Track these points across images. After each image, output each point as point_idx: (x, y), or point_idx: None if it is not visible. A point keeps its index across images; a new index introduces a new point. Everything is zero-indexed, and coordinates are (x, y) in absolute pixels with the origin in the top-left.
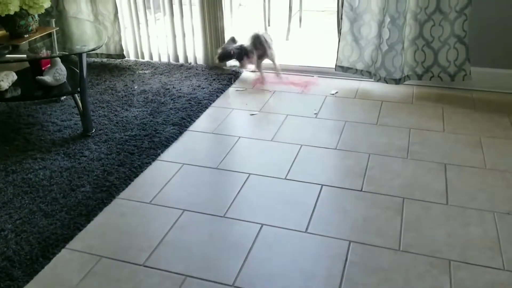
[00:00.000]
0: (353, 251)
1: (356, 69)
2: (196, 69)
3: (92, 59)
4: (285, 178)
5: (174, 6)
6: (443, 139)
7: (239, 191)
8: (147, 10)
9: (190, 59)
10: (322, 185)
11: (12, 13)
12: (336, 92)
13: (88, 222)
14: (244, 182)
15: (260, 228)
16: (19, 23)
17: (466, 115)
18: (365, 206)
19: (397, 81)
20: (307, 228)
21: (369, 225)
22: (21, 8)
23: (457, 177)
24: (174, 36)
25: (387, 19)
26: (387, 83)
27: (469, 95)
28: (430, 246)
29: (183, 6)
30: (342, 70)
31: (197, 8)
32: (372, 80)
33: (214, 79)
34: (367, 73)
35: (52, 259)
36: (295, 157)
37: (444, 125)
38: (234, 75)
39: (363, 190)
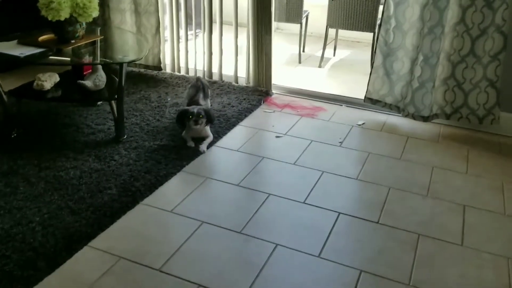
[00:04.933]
0: (364, 281)
1: (385, 103)
2: (228, 88)
3: (131, 69)
4: (304, 202)
5: (214, 24)
6: (465, 181)
7: (258, 209)
8: (188, 26)
9: (224, 77)
10: (340, 213)
11: (62, 19)
12: (363, 123)
13: (112, 223)
14: (264, 202)
15: (274, 248)
16: (67, 29)
17: (491, 158)
18: (380, 238)
19: (425, 119)
20: (320, 253)
21: (382, 257)
22: (71, 15)
23: (475, 220)
24: (211, 54)
25: (420, 57)
26: (414, 119)
27: (496, 140)
28: (441, 284)
29: (223, 25)
30: (371, 102)
31: (233, 28)
32: (400, 115)
33: (244, 99)
34: (396, 108)
35: (74, 254)
36: (316, 183)
37: (468, 167)
38: (263, 97)
39: (379, 222)
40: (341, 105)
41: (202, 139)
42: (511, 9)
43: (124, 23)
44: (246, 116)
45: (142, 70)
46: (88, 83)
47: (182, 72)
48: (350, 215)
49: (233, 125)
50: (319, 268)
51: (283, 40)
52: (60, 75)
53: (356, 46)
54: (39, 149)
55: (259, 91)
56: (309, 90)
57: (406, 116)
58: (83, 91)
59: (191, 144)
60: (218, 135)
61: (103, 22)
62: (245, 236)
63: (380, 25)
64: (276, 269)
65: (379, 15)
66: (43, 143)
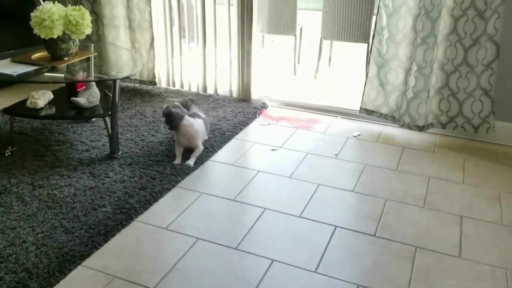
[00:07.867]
0: None
1: (381, 113)
2: (223, 101)
3: (125, 84)
4: (300, 216)
5: (207, 37)
6: (462, 191)
7: (253, 224)
8: (181, 40)
9: (218, 91)
10: (336, 226)
11: (55, 37)
12: (359, 134)
13: (106, 242)
14: (259, 216)
15: (271, 263)
16: (60, 46)
17: (487, 168)
18: (377, 252)
19: (421, 128)
20: (316, 268)
21: (379, 271)
22: (64, 33)
23: (472, 231)
24: (205, 67)
25: (414, 67)
26: (410, 129)
27: (492, 148)
28: None
29: (217, 38)
30: (367, 113)
31: (227, 41)
32: (396, 125)
33: (239, 112)
34: (391, 118)
35: (68, 274)
36: (312, 196)
37: (464, 176)
38: (259, 109)
39: (376, 235)
40: (337, 117)
41: (193, 150)
42: (503, 18)
43: (118, 39)
44: (241, 129)
45: (137, 85)
46: (81, 100)
47: (177, 86)
48: (346, 229)
49: (228, 138)
50: (315, 283)
51: (278, 52)
52: (53, 92)
53: (351, 57)
54: (32, 167)
55: (254, 104)
56: (304, 102)
57: (402, 126)
58: (77, 108)
59: (178, 160)
60: (213, 149)
61: (97, 38)
62: (241, 252)
63: (373, 36)
64: (273, 285)
65: (373, 26)
66: (37, 161)
